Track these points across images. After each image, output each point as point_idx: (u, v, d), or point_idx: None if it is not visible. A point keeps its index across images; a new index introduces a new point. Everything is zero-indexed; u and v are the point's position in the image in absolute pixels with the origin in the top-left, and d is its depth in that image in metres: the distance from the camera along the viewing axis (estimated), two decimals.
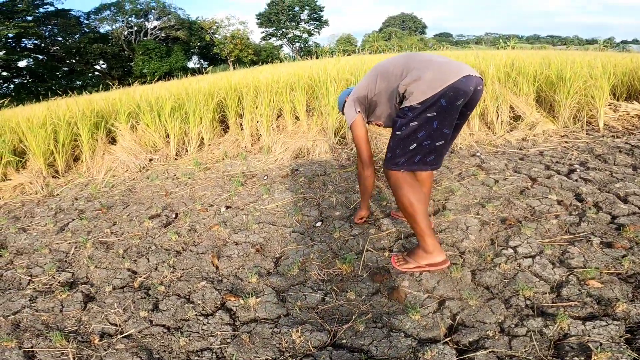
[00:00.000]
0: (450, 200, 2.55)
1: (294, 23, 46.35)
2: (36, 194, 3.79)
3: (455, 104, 1.63)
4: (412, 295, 1.69)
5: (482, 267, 1.82)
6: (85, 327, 1.71)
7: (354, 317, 1.62)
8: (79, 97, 6.06)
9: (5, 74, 27.70)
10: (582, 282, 1.65)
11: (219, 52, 38.53)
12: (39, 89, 27.01)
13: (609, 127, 3.96)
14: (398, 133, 1.71)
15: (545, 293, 1.62)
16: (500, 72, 4.14)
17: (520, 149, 3.44)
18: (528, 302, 1.56)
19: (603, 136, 3.70)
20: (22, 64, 28.25)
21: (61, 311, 1.83)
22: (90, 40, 30.27)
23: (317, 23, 47.73)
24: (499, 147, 3.53)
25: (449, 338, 1.43)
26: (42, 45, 29.11)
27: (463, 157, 3.32)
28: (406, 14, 61.88)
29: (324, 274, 1.95)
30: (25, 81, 28.73)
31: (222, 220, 2.62)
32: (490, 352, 1.32)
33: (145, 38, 33.61)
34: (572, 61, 4.34)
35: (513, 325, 1.44)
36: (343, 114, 2.12)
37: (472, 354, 1.33)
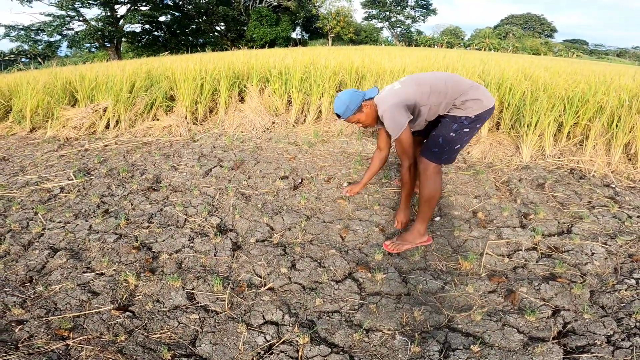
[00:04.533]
0: (577, 226, 2.37)
1: (399, 7, 44.31)
2: (180, 136, 4.29)
3: (485, 121, 2.05)
4: (528, 300, 1.72)
5: (602, 290, 1.80)
6: (235, 275, 1.86)
7: (473, 308, 1.67)
8: (223, 53, 6.58)
9: (147, 27, 30.98)
10: None
11: (320, 27, 38.57)
12: (171, 43, 29.87)
13: None
14: (452, 135, 1.96)
15: None
16: None
17: None
18: (638, 324, 1.58)
19: None
20: (162, 19, 31.28)
21: (215, 255, 1.99)
22: (217, 2, 32.36)
23: (423, 10, 44.96)
24: (637, 182, 3.12)
25: (557, 340, 1.49)
26: (180, 3, 31.85)
27: (595, 186, 2.98)
28: (533, 15, 54.90)
29: (443, 265, 1.99)
30: (160, 35, 31.89)
31: (346, 195, 2.72)
32: (594, 356, 1.41)
33: (260, 5, 34.91)
34: None
35: (619, 339, 1.50)
36: (340, 116, 2.07)
37: (578, 355, 1.41)
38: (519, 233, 2.26)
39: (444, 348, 1.45)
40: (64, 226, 2.31)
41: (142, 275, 1.85)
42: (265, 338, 1.50)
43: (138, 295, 1.72)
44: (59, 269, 1.90)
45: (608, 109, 3.71)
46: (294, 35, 38.53)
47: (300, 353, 1.43)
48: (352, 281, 1.83)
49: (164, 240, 2.13)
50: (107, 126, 4.64)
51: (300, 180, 2.94)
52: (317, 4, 38.93)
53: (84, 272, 1.87)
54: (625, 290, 1.77)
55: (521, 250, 2.11)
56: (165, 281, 1.79)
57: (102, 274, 1.87)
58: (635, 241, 2.22)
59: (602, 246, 2.16)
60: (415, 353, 1.42)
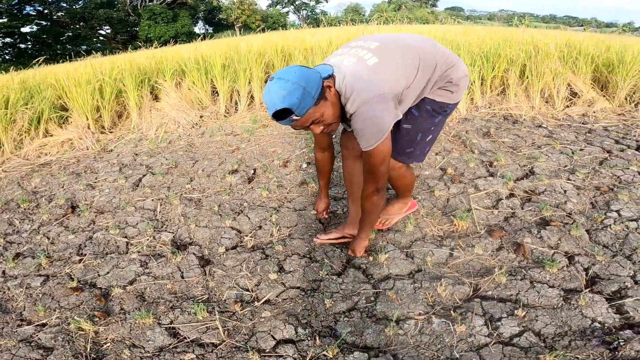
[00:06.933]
0: (536, 166, 2.42)
1: None
2: (87, 149, 3.53)
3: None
4: (538, 251, 1.63)
5: (595, 228, 1.77)
6: (218, 295, 1.49)
7: (492, 270, 1.52)
8: (123, 54, 5.69)
9: (8, 40, 26.31)
10: None
11: (225, 18, 36.80)
12: (44, 53, 25.81)
13: None
14: (432, 128, 1.48)
15: None
16: (563, 51, 3.98)
17: (584, 124, 3.31)
18: None
19: None
20: (25, 30, 26.82)
21: (183, 277, 1.60)
22: (96, 5, 28.65)
23: None
24: (561, 120, 3.39)
25: (590, 288, 1.41)
26: (46, 11, 27.53)
27: (530, 128, 3.17)
28: None
29: (439, 230, 1.83)
30: (27, 47, 27.39)
31: (308, 176, 2.41)
32: (636, 299, 1.32)
33: (151, 3, 31.89)
34: (628, 46, 4.21)
35: None
36: (292, 112, 1.15)
37: (621, 301, 1.32)
38: (492, 182, 2.21)
39: (487, 320, 1.27)
40: None
41: (97, 318, 1.40)
42: None
43: (105, 343, 1.28)
44: None
45: (520, 61, 3.98)
46: (196, 30, 36.11)
47: None
48: (355, 270, 1.57)
49: (108, 273, 1.65)
50: None
51: (252, 171, 2.55)
52: None
53: (19, 326, 1.39)
54: (614, 224, 1.77)
55: (502, 199, 2.05)
56: (132, 320, 1.36)
57: (43, 324, 1.40)
58: (592, 173, 2.32)
59: (568, 182, 2.20)
60: (463, 332, 1.22)
